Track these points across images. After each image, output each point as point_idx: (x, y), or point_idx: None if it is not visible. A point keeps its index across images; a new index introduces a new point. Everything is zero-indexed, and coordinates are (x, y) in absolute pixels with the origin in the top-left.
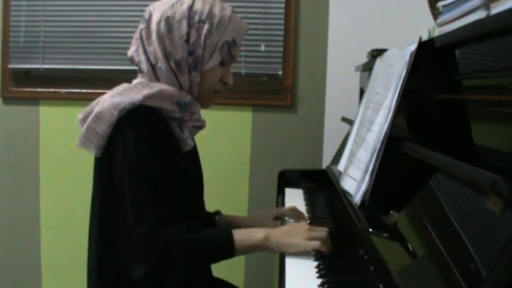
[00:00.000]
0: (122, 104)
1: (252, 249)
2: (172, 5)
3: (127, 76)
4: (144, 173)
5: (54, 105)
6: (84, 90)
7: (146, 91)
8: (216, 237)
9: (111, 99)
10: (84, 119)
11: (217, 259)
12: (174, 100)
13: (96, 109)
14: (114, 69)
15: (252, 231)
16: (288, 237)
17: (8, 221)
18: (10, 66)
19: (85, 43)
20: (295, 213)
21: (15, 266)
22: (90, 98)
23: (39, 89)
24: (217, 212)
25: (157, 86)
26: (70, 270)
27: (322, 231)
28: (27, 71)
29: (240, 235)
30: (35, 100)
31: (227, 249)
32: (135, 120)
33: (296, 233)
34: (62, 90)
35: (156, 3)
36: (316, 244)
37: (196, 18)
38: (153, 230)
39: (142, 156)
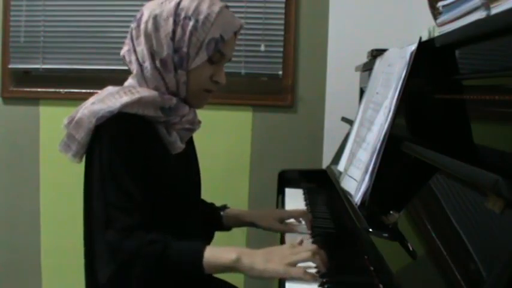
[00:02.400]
0: (100, 112)
1: (222, 269)
2: (162, 3)
3: (127, 76)
4: (117, 179)
5: (54, 105)
6: (84, 90)
7: (126, 98)
8: (184, 252)
9: (92, 106)
10: (69, 123)
11: (184, 275)
12: (158, 106)
13: (78, 115)
14: (114, 69)
15: (224, 250)
16: (266, 262)
17: (8, 220)
18: (10, 66)
19: (85, 43)
20: (300, 214)
21: (15, 266)
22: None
23: (39, 89)
24: (224, 207)
25: (139, 93)
26: (70, 270)
27: (304, 253)
28: (27, 71)
29: (210, 253)
30: (35, 100)
31: (194, 266)
32: (112, 129)
33: (276, 257)
34: (62, 90)
35: (149, 3)
36: (298, 272)
37: (182, 15)
38: (119, 236)
39: (115, 162)
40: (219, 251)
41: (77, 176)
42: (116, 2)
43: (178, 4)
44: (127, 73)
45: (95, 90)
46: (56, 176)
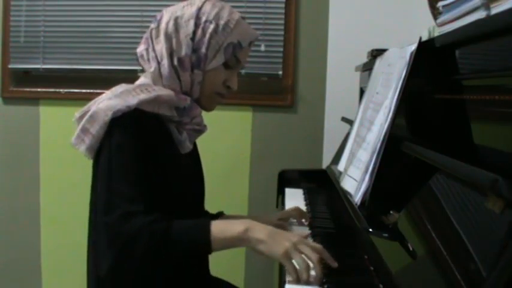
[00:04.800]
0: (117, 106)
1: (230, 243)
2: (183, 6)
3: (127, 76)
4: (123, 168)
5: (54, 105)
6: (84, 90)
7: (143, 95)
8: (189, 226)
9: (108, 101)
10: (81, 117)
11: (190, 250)
12: (173, 105)
13: (92, 109)
14: (114, 69)
15: (232, 223)
16: (270, 238)
17: (8, 220)
18: (10, 66)
19: (85, 43)
20: (298, 213)
21: (15, 266)
22: (90, 98)
23: (39, 89)
24: (220, 213)
25: (156, 91)
26: (70, 270)
27: (312, 252)
28: (27, 71)
29: (217, 228)
30: (35, 100)
31: (202, 241)
32: (127, 123)
33: (281, 239)
34: (62, 90)
35: (170, 7)
36: (292, 268)
37: (204, 18)
38: (119, 221)
39: (124, 153)
40: (227, 224)
41: (77, 175)
42: (116, 2)
43: (200, 8)
44: (127, 73)
45: (95, 90)
46: (56, 175)
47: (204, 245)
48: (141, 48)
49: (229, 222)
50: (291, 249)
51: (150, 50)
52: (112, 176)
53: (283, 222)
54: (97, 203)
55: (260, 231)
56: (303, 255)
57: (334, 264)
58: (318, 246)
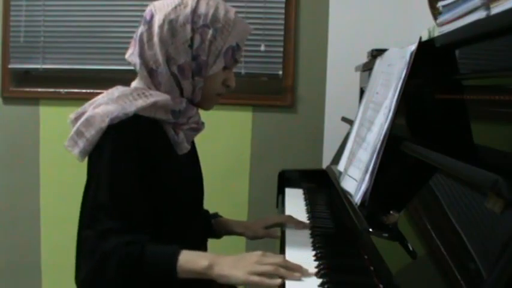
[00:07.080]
0: (115, 113)
1: (195, 274)
2: (175, 7)
3: (127, 76)
4: (112, 180)
5: (54, 105)
6: (84, 90)
7: (141, 102)
8: (160, 252)
9: (106, 106)
10: (76, 119)
11: (157, 275)
12: (169, 109)
13: (88, 112)
14: (114, 69)
15: (198, 256)
16: (232, 268)
17: (8, 220)
18: (10, 66)
19: (85, 43)
20: (293, 221)
21: (15, 266)
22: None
23: (39, 89)
24: (215, 215)
25: (153, 97)
26: (70, 270)
27: (267, 266)
28: (27, 71)
29: (184, 258)
30: (35, 100)
31: (168, 270)
32: (124, 130)
33: (241, 264)
34: (62, 90)
35: (156, 4)
36: (257, 279)
37: (200, 22)
38: (96, 238)
39: (117, 163)
40: (193, 257)
41: (77, 176)
42: (116, 2)
43: (195, 10)
44: (127, 73)
45: (95, 90)
46: (56, 175)
47: (170, 272)
48: (129, 53)
49: (196, 254)
50: (252, 267)
51: (137, 53)
52: (100, 186)
53: (269, 231)
54: (82, 213)
55: (222, 266)
56: (267, 266)
57: (295, 278)
58: (278, 259)
